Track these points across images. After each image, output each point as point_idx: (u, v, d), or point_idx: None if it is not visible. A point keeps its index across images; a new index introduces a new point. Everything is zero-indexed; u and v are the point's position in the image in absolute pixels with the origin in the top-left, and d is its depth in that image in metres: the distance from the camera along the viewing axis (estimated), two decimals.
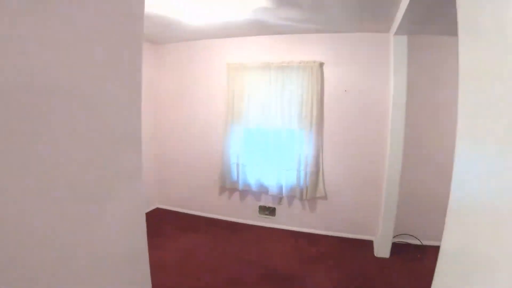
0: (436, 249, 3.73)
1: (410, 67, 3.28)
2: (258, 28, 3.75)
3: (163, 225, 4.43)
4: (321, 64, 3.90)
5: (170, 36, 4.27)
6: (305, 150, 4.02)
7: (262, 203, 4.43)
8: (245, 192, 4.48)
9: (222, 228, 4.36)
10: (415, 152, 3.69)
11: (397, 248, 3.60)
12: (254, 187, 4.34)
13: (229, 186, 4.44)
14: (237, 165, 4.35)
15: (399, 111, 3.34)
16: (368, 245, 3.85)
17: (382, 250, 3.52)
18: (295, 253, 3.65)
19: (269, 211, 4.40)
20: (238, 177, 4.37)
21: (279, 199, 4.32)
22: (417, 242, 3.80)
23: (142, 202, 1.23)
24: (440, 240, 3.86)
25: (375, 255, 3.56)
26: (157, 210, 5.08)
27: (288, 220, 4.32)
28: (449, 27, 3.20)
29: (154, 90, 4.88)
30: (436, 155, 3.69)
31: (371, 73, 3.78)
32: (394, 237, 3.52)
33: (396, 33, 3.22)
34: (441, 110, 3.63)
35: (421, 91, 3.64)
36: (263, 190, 4.33)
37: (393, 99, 3.36)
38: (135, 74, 1.15)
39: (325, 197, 4.10)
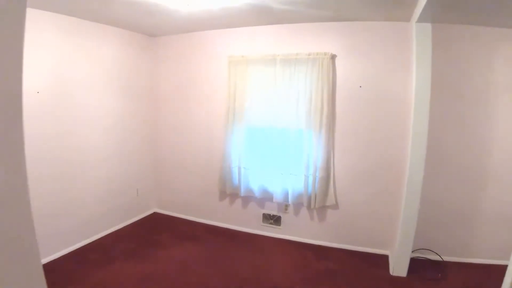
0: (458, 266, 3.49)
1: (434, 61, 3.00)
2: (261, 16, 3.53)
3: (158, 232, 4.31)
4: (333, 57, 3.64)
5: (166, 27, 4.12)
6: (314, 153, 3.80)
7: (266, 211, 4.22)
8: (247, 199, 4.27)
9: (221, 237, 4.22)
10: (439, 156, 3.45)
11: (415, 264, 3.36)
12: (257, 193, 4.15)
13: (229, 192, 4.25)
14: (239, 168, 4.15)
15: (422, 110, 3.06)
16: (382, 260, 3.63)
17: (399, 267, 3.29)
18: (300, 268, 3.45)
19: (274, 219, 4.19)
20: (239, 181, 4.17)
21: (285, 207, 4.10)
22: (437, 258, 3.56)
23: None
24: (464, 256, 3.58)
25: (391, 273, 3.33)
26: (155, 215, 5.00)
27: (294, 230, 4.12)
28: (480, 16, 2.91)
29: (151, 87, 4.77)
30: (463, 161, 3.45)
31: (390, 67, 3.52)
32: (412, 251, 3.28)
33: (418, 20, 2.94)
34: (470, 110, 3.36)
35: (447, 88, 3.36)
36: (267, 196, 4.14)
37: (415, 96, 3.08)
38: None
39: (336, 206, 3.86)
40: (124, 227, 4.40)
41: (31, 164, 3.17)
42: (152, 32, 4.41)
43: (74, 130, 3.59)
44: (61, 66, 3.39)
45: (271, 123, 3.96)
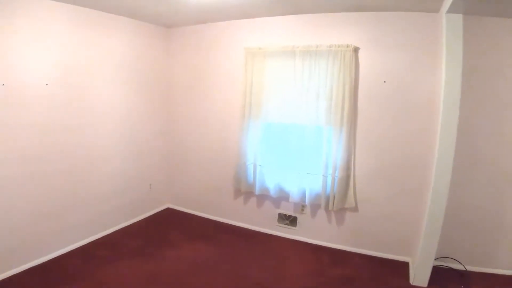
0: (482, 277, 3.40)
1: (466, 56, 2.93)
2: (280, 5, 3.51)
3: (169, 229, 4.46)
4: (356, 49, 3.62)
5: (180, 18, 4.22)
6: (334, 151, 3.80)
7: (281, 211, 4.27)
8: (262, 197, 4.33)
9: (234, 236, 4.32)
10: (469, 159, 3.36)
11: (436, 273, 3.31)
12: (272, 192, 4.19)
13: (244, 190, 4.32)
14: (254, 165, 4.20)
15: (451, 108, 2.99)
16: (402, 268, 3.61)
17: (420, 276, 3.26)
18: (315, 274, 3.49)
19: (289, 220, 4.23)
20: (254, 179, 4.22)
21: (301, 207, 4.10)
22: (460, 267, 3.51)
23: None
24: (489, 266, 3.50)
25: (411, 282, 3.33)
26: (168, 210, 5.16)
27: (310, 232, 4.17)
28: None
29: (165, 80, 4.91)
30: (494, 164, 3.35)
31: (417, 61, 3.47)
32: (434, 259, 3.24)
33: (449, 11, 2.85)
34: (505, 110, 3.25)
35: (480, 85, 3.26)
36: (283, 196, 4.20)
37: (444, 93, 3.02)
38: None
39: (355, 209, 3.84)
40: (135, 222, 4.56)
41: (38, 158, 3.31)
42: (166, 23, 4.51)
43: (84, 123, 3.73)
44: (71, 58, 3.52)
45: (289, 119, 3.99)
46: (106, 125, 3.98)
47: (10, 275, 3.08)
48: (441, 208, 3.07)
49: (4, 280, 3.02)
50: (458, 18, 2.89)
